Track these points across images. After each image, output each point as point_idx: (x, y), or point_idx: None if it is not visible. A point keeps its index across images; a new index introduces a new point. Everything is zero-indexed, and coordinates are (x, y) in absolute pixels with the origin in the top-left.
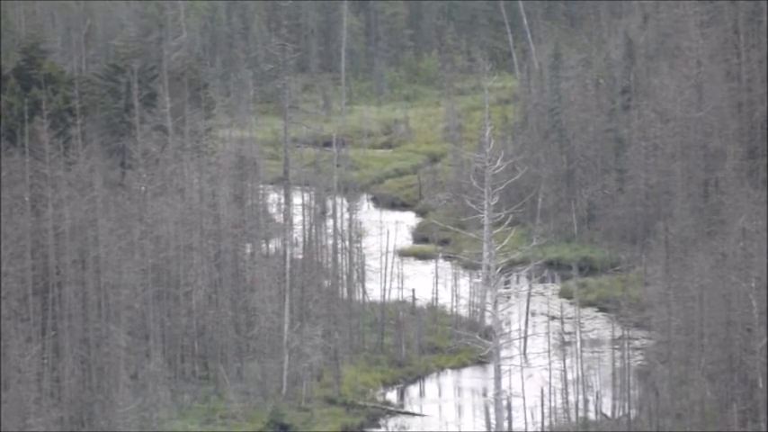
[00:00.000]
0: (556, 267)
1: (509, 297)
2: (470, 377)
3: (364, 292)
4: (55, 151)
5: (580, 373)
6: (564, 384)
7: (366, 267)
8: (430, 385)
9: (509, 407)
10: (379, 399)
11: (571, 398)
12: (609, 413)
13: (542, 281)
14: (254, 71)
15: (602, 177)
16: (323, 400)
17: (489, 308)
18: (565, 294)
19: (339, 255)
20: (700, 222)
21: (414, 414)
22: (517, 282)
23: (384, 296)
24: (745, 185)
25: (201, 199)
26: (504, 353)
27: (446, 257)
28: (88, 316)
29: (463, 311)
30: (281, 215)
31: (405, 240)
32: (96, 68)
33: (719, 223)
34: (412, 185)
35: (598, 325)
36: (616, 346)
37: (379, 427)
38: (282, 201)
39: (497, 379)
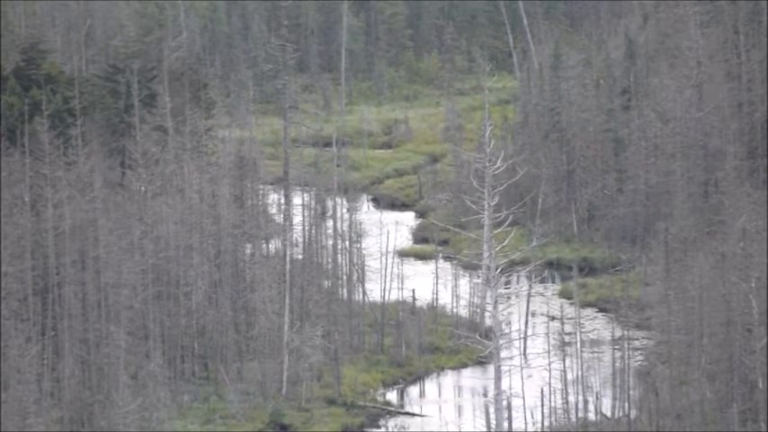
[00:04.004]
0: (556, 268)
1: (509, 297)
2: (470, 377)
3: (364, 293)
4: (55, 151)
5: (580, 373)
6: (564, 384)
7: (366, 268)
8: (430, 385)
9: (509, 407)
10: (379, 399)
11: (571, 398)
12: (609, 413)
13: (542, 281)
14: (254, 71)
15: (602, 177)
16: (323, 400)
17: (489, 308)
18: (565, 295)
19: (339, 255)
20: (700, 222)
21: (414, 414)
22: (517, 282)
23: (384, 296)
24: (745, 185)
25: (201, 199)
26: (504, 353)
27: (446, 258)
28: (88, 316)
29: (463, 312)
30: (281, 215)
31: (405, 240)
32: (96, 68)
33: (719, 223)
34: (412, 185)
35: (598, 325)
36: (616, 347)
37: (379, 427)
38: (282, 201)
39: (497, 379)
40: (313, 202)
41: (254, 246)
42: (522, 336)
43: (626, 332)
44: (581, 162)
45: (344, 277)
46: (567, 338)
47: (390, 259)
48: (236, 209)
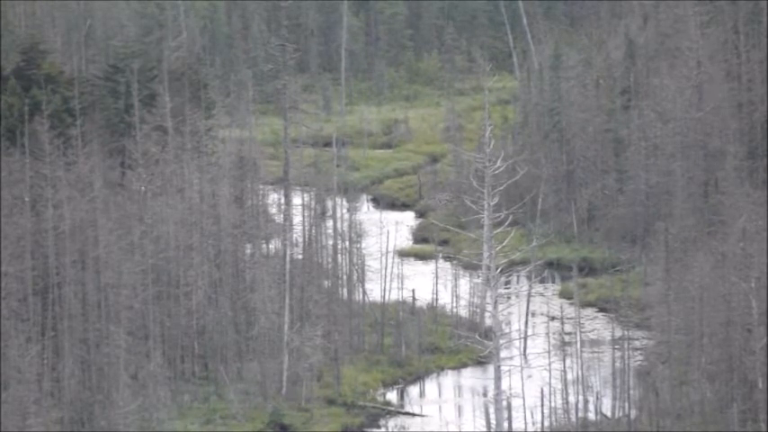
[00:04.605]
0: (556, 268)
1: (509, 297)
2: (470, 377)
3: (364, 293)
4: (55, 151)
5: (580, 373)
6: (564, 384)
7: (366, 268)
8: (430, 385)
9: (509, 407)
10: (379, 399)
11: (571, 398)
12: (609, 413)
13: (542, 281)
14: (254, 71)
15: (602, 177)
16: (323, 400)
17: (489, 308)
18: (565, 295)
19: (339, 255)
20: (700, 222)
21: (414, 414)
22: (517, 282)
23: (384, 296)
24: (745, 185)
25: (201, 199)
26: (504, 353)
27: (446, 258)
28: (88, 316)
29: (463, 312)
30: (281, 215)
31: (405, 240)
32: (96, 68)
33: (719, 223)
34: (412, 185)
35: (598, 325)
36: (616, 347)
37: (379, 427)
38: (282, 201)
39: (497, 379)
40: (313, 202)
41: (254, 246)
42: (522, 336)
43: (626, 332)
44: (581, 162)
45: (344, 277)
46: (567, 338)
47: (390, 259)
48: (236, 209)
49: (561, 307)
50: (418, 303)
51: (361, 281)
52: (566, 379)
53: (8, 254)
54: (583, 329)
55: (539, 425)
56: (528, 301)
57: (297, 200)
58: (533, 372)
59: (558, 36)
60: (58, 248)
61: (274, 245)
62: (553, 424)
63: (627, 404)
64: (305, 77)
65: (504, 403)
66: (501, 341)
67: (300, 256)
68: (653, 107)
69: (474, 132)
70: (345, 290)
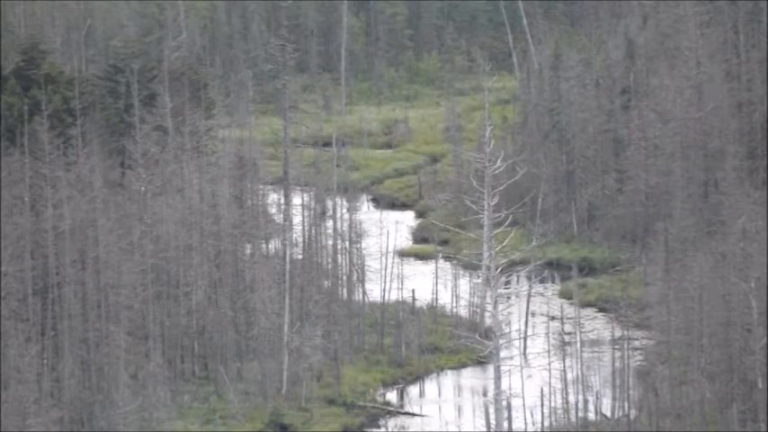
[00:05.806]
0: (556, 267)
1: (509, 297)
2: (470, 377)
3: (364, 293)
4: (55, 151)
5: (580, 373)
6: (564, 384)
7: (366, 268)
8: (430, 385)
9: (509, 407)
10: (379, 399)
11: (571, 398)
12: (609, 413)
13: (542, 281)
14: (254, 71)
15: (602, 177)
16: (323, 400)
17: (489, 308)
18: (565, 295)
19: (339, 255)
20: (700, 222)
21: (414, 414)
22: (517, 282)
23: (384, 296)
24: (745, 185)
25: (201, 199)
26: (503, 353)
27: (446, 258)
28: (88, 316)
29: (463, 312)
30: (281, 215)
31: (405, 240)
32: (96, 68)
33: (719, 223)
34: (412, 185)
35: (598, 325)
36: (616, 346)
37: (378, 427)
38: (282, 201)
39: (497, 379)
40: (313, 202)
41: (254, 246)
42: (522, 336)
43: (626, 332)
44: (581, 162)
45: (344, 277)
46: (567, 338)
47: (390, 259)
48: (236, 209)
49: (561, 307)
50: (418, 303)
51: (361, 281)
52: (566, 379)
53: (8, 254)
54: (583, 329)
55: (539, 425)
56: (528, 301)
57: (297, 200)
58: (533, 372)
59: (558, 36)
60: (57, 248)
61: (274, 245)
62: (553, 424)
63: (627, 404)
64: (305, 77)
65: (504, 403)
66: (501, 341)
67: (300, 256)
68: (653, 107)
69: (474, 132)
70: (345, 290)
